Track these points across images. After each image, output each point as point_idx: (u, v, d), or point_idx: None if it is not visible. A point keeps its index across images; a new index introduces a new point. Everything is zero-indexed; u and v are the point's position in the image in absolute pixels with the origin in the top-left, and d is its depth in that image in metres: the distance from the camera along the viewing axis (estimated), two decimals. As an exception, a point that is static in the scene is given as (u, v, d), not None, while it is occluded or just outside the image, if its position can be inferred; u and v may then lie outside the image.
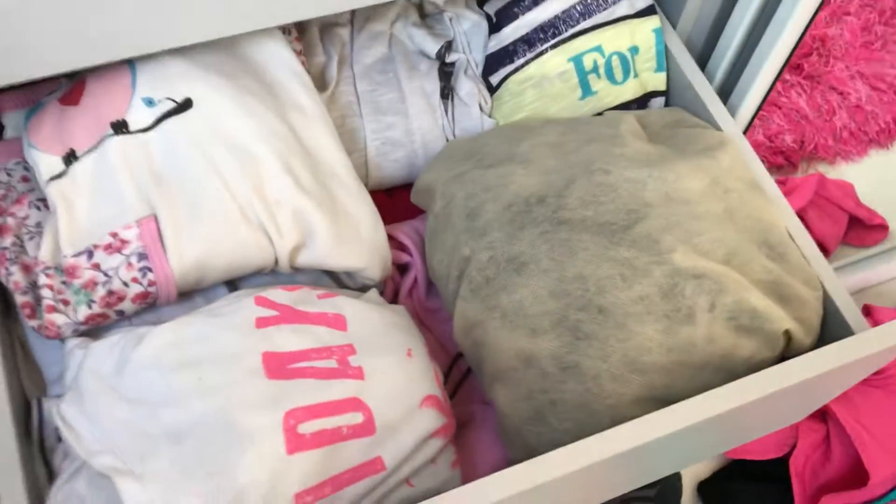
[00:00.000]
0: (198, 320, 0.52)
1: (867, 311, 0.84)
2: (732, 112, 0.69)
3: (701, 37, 0.71)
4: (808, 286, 0.58)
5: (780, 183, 1.10)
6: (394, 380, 0.53)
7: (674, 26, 0.70)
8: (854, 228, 0.97)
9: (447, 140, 0.69)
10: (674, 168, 0.58)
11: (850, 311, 0.59)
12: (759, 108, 0.70)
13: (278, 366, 0.50)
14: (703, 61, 0.71)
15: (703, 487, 0.84)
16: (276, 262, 0.58)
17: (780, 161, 1.04)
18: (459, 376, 0.64)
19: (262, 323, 0.52)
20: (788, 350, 0.57)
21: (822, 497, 0.78)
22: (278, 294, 0.55)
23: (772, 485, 0.82)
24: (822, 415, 0.83)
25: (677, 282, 0.53)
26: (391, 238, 0.65)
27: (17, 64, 0.50)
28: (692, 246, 0.55)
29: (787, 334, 0.56)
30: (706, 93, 0.67)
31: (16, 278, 0.54)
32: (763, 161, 0.65)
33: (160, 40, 0.53)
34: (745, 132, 0.69)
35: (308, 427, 0.49)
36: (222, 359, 0.50)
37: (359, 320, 0.55)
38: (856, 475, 0.79)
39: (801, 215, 1.06)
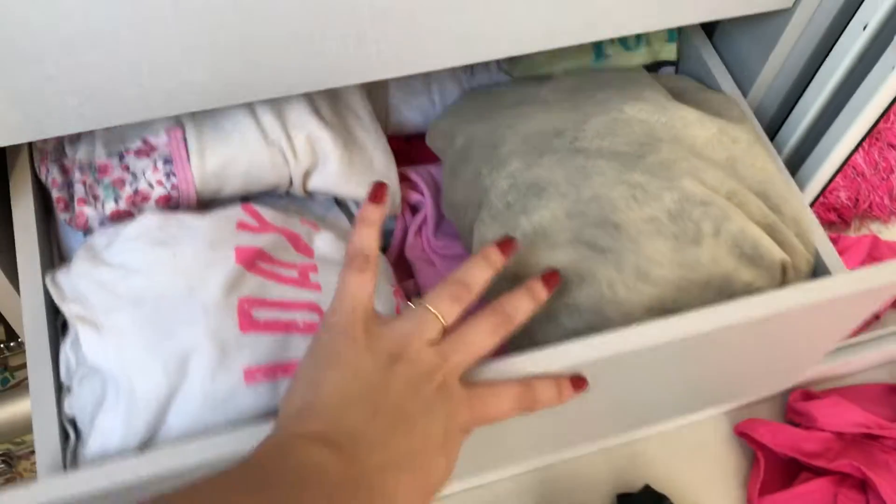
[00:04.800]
0: (188, 213, 0.56)
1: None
2: (802, 184, 0.69)
3: (773, 105, 0.71)
4: (800, 240, 0.61)
5: (833, 240, 1.10)
6: None
7: (745, 94, 0.70)
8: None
9: (463, 91, 0.73)
10: (683, 116, 0.62)
11: (831, 258, 0.62)
12: (830, 181, 0.70)
13: (246, 258, 0.54)
14: (772, 130, 0.72)
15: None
16: (291, 183, 0.63)
17: (833, 218, 1.02)
18: None
19: (241, 226, 0.57)
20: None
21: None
22: (266, 211, 0.59)
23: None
24: (862, 484, 0.82)
25: (685, 207, 0.56)
26: (405, 178, 0.69)
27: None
28: (699, 179, 0.58)
29: (783, 268, 0.58)
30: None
31: (54, 176, 0.59)
32: (815, 216, 0.65)
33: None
34: (812, 205, 0.69)
35: (263, 314, 0.52)
36: (197, 242, 0.54)
37: (325, 244, 0.60)
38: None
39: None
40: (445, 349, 0.46)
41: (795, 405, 1.12)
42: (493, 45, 0.55)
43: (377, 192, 0.49)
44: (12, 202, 0.58)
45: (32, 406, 0.51)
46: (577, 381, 0.51)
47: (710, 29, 0.72)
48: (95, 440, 0.48)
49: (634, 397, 0.62)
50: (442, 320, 0.47)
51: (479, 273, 0.49)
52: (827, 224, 1.03)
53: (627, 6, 0.56)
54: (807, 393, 1.14)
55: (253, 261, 0.54)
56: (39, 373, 0.52)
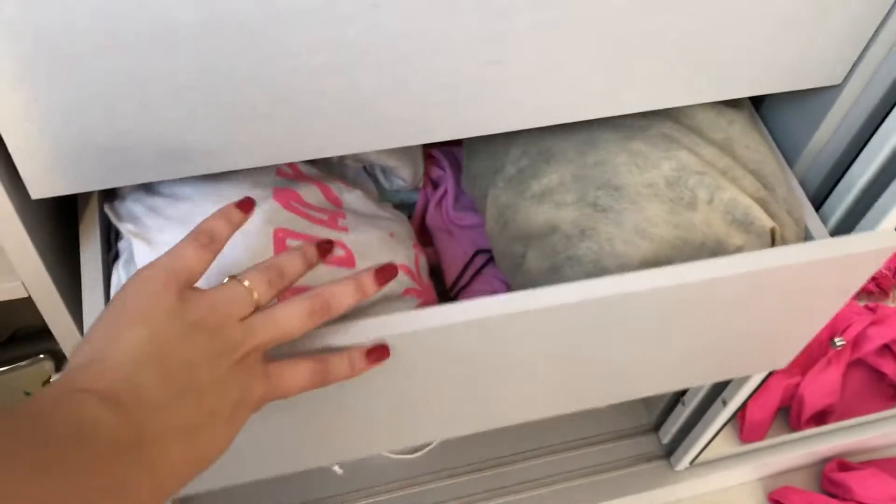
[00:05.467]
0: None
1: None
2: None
3: (820, 176, 0.70)
4: (791, 217, 0.65)
5: (870, 310, 1.12)
6: (373, 245, 0.62)
7: (791, 164, 0.70)
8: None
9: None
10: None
11: (820, 234, 0.67)
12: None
13: (283, 199, 0.60)
14: (818, 201, 0.71)
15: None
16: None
17: (871, 287, 1.04)
18: (474, 271, 0.72)
19: (280, 174, 0.63)
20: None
21: None
22: (303, 165, 0.65)
23: None
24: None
25: (682, 175, 0.61)
26: (429, 155, 0.75)
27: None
28: (696, 153, 0.63)
29: (773, 236, 0.63)
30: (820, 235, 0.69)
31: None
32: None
33: None
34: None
35: (295, 244, 0.57)
36: (240, 181, 0.60)
37: (353, 199, 0.65)
38: None
39: (893, 347, 1.07)
40: (254, 326, 0.46)
41: (831, 475, 1.11)
42: (552, 113, 0.58)
43: (243, 205, 0.51)
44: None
45: (86, 321, 0.57)
46: (376, 352, 0.52)
47: (757, 99, 0.73)
48: None
49: (627, 356, 0.66)
50: (255, 298, 0.47)
51: (299, 266, 0.50)
52: (865, 293, 1.03)
53: (678, 79, 0.58)
54: (843, 463, 1.13)
55: (288, 201, 0.60)
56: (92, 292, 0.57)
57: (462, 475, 1.05)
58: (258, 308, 0.47)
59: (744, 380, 0.86)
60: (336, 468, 1.04)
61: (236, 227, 0.50)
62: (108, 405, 0.39)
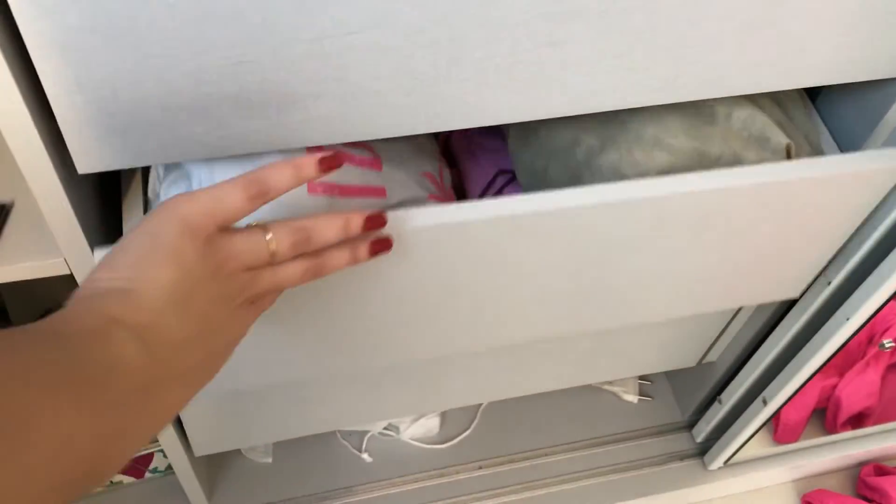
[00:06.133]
0: None
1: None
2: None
3: None
4: (808, 140, 0.66)
5: None
6: (402, 151, 0.63)
7: None
8: None
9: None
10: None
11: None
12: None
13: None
14: None
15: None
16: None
17: None
18: (495, 191, 0.75)
19: None
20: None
21: None
22: None
23: None
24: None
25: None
26: None
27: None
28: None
29: (788, 152, 0.63)
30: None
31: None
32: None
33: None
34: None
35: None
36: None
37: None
38: None
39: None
40: (262, 277, 0.48)
41: (868, 479, 1.09)
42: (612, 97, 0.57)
43: (332, 160, 0.49)
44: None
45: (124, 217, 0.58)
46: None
47: (812, 94, 0.71)
48: None
49: (641, 270, 0.67)
50: (273, 253, 0.47)
51: (331, 233, 0.50)
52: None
53: (739, 68, 0.57)
54: (880, 468, 1.11)
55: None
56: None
57: (492, 467, 1.04)
58: (273, 260, 0.48)
59: (786, 379, 0.84)
60: (365, 455, 1.03)
61: (301, 182, 0.48)
62: (138, 345, 0.40)
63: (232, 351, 0.48)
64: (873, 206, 0.66)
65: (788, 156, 0.63)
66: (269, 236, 0.47)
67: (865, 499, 1.07)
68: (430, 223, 0.55)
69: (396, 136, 0.54)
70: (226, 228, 0.46)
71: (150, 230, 0.44)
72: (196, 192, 0.45)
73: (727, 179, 0.58)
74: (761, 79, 0.58)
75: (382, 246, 0.53)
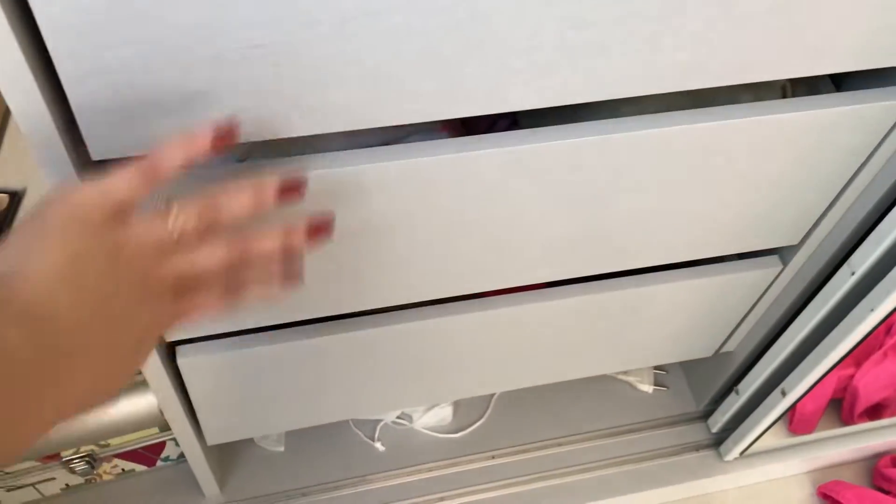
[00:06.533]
0: None
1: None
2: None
3: None
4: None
5: None
6: None
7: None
8: None
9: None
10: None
11: None
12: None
13: None
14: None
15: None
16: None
17: None
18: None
19: None
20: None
21: None
22: None
23: None
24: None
25: None
26: None
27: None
28: None
29: (784, 92, 0.64)
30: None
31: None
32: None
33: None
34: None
35: None
36: None
37: None
38: None
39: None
40: (172, 259, 0.45)
41: (885, 471, 1.08)
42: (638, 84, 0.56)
43: (224, 134, 0.46)
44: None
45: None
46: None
47: (837, 80, 0.70)
48: None
49: (639, 212, 0.67)
50: (180, 229, 0.45)
51: (239, 206, 0.47)
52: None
53: (768, 53, 0.55)
54: (898, 459, 1.10)
55: None
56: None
57: (505, 457, 1.03)
58: (181, 240, 0.45)
59: (806, 370, 0.83)
60: (377, 444, 1.03)
61: (194, 160, 0.45)
62: (21, 329, 0.38)
63: (152, 341, 0.46)
64: (871, 147, 0.66)
65: (784, 96, 0.64)
66: (174, 212, 0.45)
67: (882, 490, 1.06)
68: (429, 158, 0.55)
69: (416, 122, 0.53)
70: (124, 211, 0.44)
71: (39, 216, 0.42)
72: (89, 179, 0.44)
73: (724, 115, 0.60)
74: (790, 64, 0.57)
75: (320, 231, 0.50)
